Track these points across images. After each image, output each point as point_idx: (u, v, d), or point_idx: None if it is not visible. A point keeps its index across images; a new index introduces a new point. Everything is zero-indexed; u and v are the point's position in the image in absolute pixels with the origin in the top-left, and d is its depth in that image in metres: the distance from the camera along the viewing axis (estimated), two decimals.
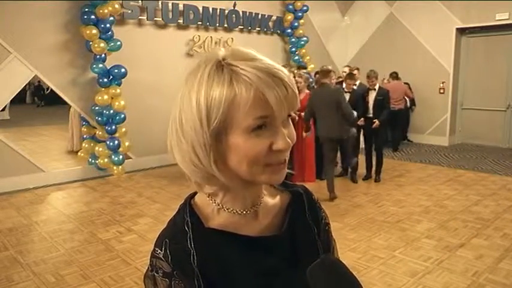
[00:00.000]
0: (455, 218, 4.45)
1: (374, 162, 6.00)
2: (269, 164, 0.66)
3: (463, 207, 4.79)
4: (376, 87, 5.85)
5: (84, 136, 6.29)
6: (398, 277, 3.17)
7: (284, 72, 0.66)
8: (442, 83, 8.69)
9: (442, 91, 8.73)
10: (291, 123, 0.70)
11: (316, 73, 6.46)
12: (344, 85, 5.97)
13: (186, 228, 0.71)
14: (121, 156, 6.08)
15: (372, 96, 5.84)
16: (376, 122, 5.71)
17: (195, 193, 0.78)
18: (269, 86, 0.63)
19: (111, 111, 5.90)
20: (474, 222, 4.33)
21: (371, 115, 5.80)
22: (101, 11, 5.62)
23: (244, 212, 0.74)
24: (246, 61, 0.65)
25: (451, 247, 3.71)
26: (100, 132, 5.98)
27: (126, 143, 6.15)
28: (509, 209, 4.72)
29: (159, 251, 0.70)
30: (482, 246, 3.73)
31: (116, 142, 5.93)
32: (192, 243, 0.70)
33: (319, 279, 0.66)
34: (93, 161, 6.14)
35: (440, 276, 3.18)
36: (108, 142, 5.92)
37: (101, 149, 5.95)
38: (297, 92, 0.68)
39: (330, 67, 5.61)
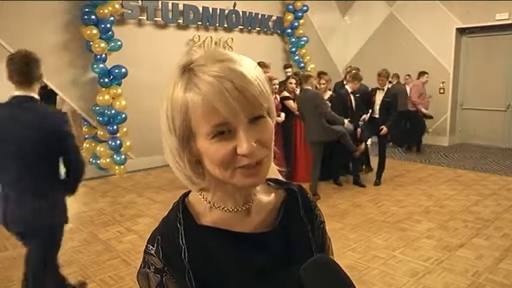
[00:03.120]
0: (455, 218, 4.45)
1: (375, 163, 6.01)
2: (240, 167, 0.65)
3: (463, 207, 4.79)
4: (385, 87, 5.64)
5: (86, 136, 6.29)
6: (399, 277, 3.17)
7: (244, 75, 0.63)
8: (442, 83, 8.69)
9: (442, 91, 8.73)
10: (267, 124, 0.67)
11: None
12: (348, 87, 5.58)
13: (178, 225, 0.72)
14: (123, 156, 6.09)
15: (379, 97, 5.62)
16: (384, 129, 5.49)
17: (189, 191, 0.79)
18: (218, 93, 0.61)
19: (113, 111, 5.91)
20: (474, 222, 4.33)
21: (377, 116, 5.64)
22: (101, 11, 5.62)
23: (236, 210, 0.74)
24: (212, 63, 0.64)
25: (451, 247, 3.71)
26: (101, 132, 5.99)
27: (128, 143, 6.15)
28: (509, 209, 4.72)
29: (151, 247, 0.72)
30: (482, 246, 3.73)
31: (118, 142, 5.94)
32: (184, 240, 0.70)
33: (312, 278, 0.66)
34: (93, 161, 6.14)
35: (440, 276, 3.18)
36: (109, 142, 5.92)
37: (102, 149, 5.96)
38: (260, 92, 0.65)
39: (310, 73, 5.59)
